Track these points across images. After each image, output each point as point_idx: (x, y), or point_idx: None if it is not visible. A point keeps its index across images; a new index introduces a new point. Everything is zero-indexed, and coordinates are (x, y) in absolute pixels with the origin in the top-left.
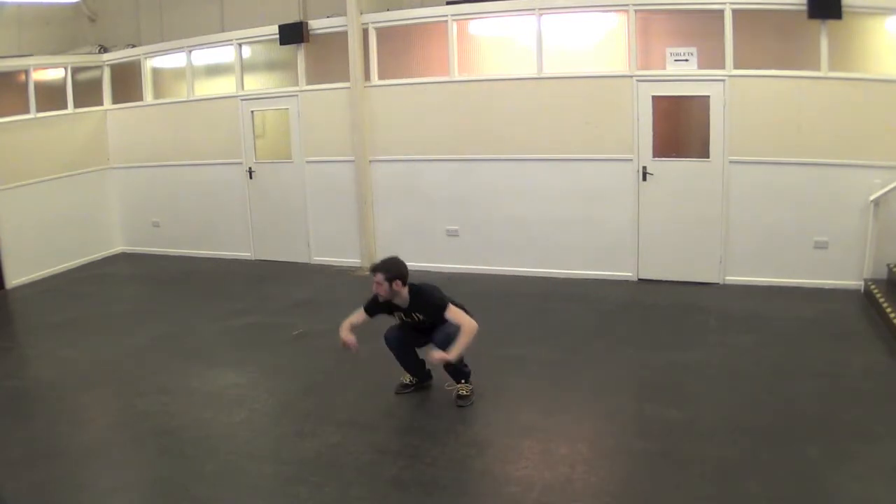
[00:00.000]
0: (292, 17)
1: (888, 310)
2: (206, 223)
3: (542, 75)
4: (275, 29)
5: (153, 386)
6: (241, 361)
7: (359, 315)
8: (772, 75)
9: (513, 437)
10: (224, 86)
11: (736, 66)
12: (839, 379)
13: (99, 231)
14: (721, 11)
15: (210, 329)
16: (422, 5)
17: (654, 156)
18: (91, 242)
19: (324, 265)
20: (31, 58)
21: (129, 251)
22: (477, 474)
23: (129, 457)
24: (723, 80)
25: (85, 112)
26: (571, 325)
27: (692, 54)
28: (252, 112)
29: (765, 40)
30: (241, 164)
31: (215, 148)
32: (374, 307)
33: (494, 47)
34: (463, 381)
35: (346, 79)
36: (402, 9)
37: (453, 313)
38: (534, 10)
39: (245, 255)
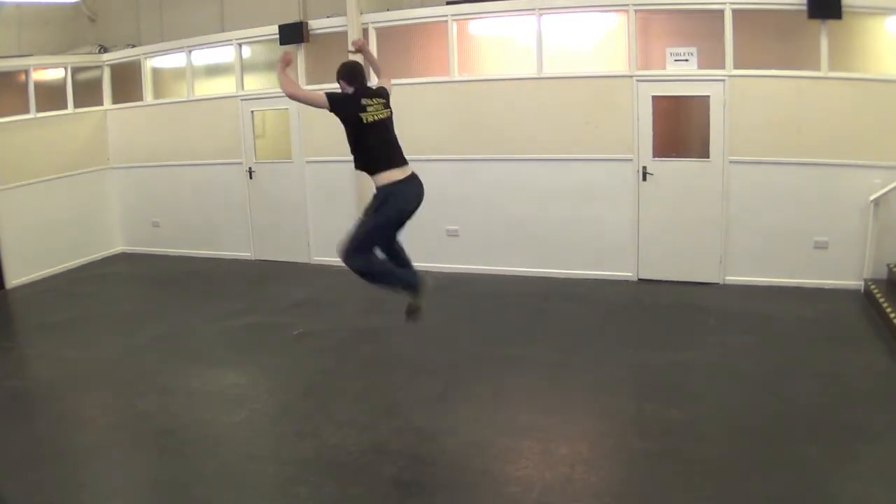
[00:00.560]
0: (292, 17)
1: (888, 310)
2: (206, 223)
3: (542, 75)
4: (275, 29)
5: (153, 386)
6: (241, 361)
7: (315, 96)
8: (772, 75)
9: (513, 437)
10: (224, 86)
11: (736, 66)
12: (839, 379)
13: (99, 231)
14: (721, 11)
15: (210, 329)
16: (422, 5)
17: (654, 156)
18: (91, 242)
19: (324, 265)
20: (31, 58)
21: (129, 251)
22: (477, 474)
23: (129, 457)
24: (723, 80)
25: (85, 112)
26: (571, 325)
27: (692, 54)
28: (252, 112)
29: (765, 40)
30: (241, 164)
31: (215, 148)
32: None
33: (494, 47)
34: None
35: None
36: (402, 9)
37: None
38: (534, 10)
39: (245, 255)
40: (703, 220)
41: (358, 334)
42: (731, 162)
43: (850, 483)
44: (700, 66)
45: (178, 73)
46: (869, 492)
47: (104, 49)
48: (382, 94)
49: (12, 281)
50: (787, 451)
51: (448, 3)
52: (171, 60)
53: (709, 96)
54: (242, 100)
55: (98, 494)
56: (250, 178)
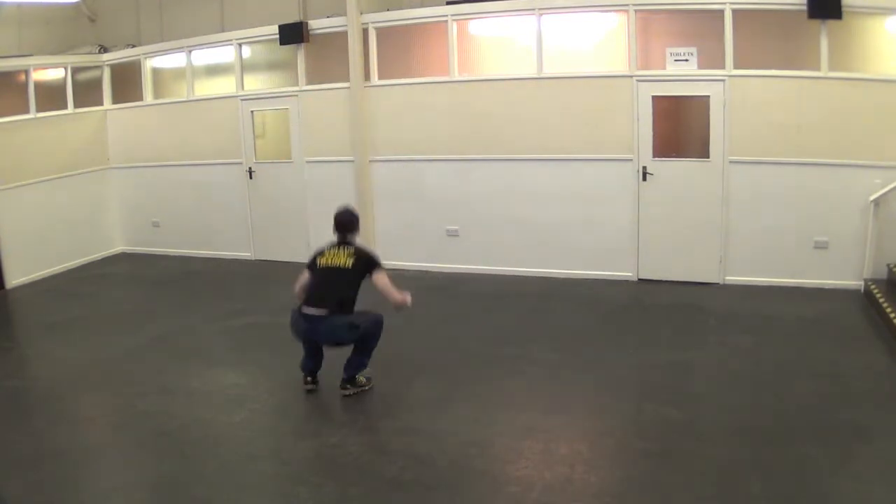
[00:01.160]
0: (292, 17)
1: (888, 310)
2: (206, 223)
3: (542, 75)
4: (275, 29)
5: (153, 386)
6: (241, 361)
7: (303, 275)
8: (772, 75)
9: (513, 437)
10: (224, 86)
11: (736, 66)
12: (839, 379)
13: (99, 231)
14: (721, 11)
15: (210, 329)
16: (422, 5)
17: (654, 156)
18: (91, 242)
19: None
20: (31, 58)
21: (129, 251)
22: (477, 474)
23: (129, 457)
24: (723, 80)
25: (85, 112)
26: (571, 324)
27: (692, 54)
28: (252, 112)
29: (765, 40)
30: (241, 164)
31: (215, 148)
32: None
33: (494, 47)
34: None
35: (346, 79)
36: (402, 9)
37: (383, 279)
38: (534, 10)
39: (245, 255)
40: (703, 219)
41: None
42: (731, 162)
43: (850, 483)
44: (700, 66)
45: (178, 73)
46: (869, 492)
47: (104, 49)
48: (355, 253)
49: (12, 281)
50: (787, 451)
51: (448, 3)
52: (171, 60)
53: (709, 96)
54: (242, 100)
55: (98, 494)
56: (250, 178)
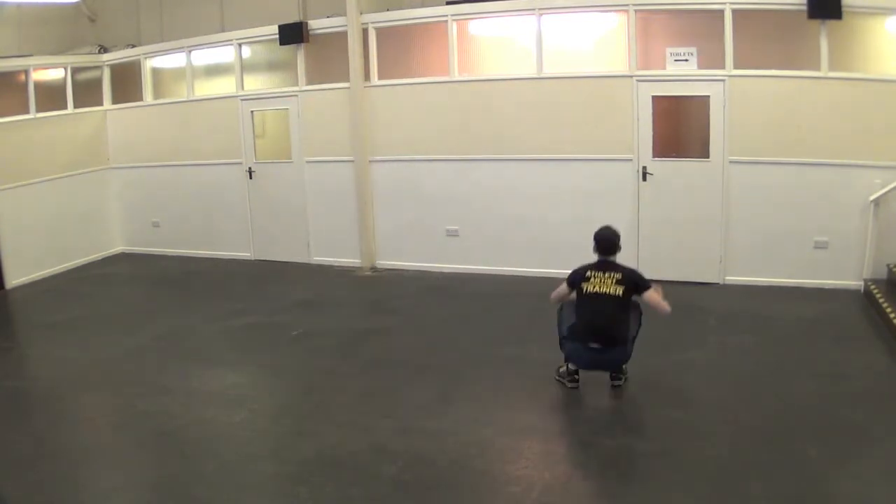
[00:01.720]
0: (292, 17)
1: (888, 310)
2: (206, 223)
3: (542, 75)
4: (275, 29)
5: (153, 386)
6: (241, 361)
7: (563, 288)
8: (772, 75)
9: (513, 437)
10: (224, 86)
11: (736, 66)
12: (839, 379)
13: (99, 231)
14: (721, 11)
15: (210, 329)
16: (422, 5)
17: (654, 156)
18: (91, 242)
19: (324, 265)
20: (31, 58)
21: (129, 251)
22: (477, 474)
23: (129, 457)
24: (723, 80)
25: (85, 112)
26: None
27: (692, 54)
28: (252, 112)
29: (765, 40)
30: (241, 164)
31: (215, 148)
32: (574, 275)
33: (494, 47)
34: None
35: (346, 79)
36: (402, 9)
37: (653, 296)
38: (534, 10)
39: (245, 255)
40: (702, 220)
41: (358, 334)
42: (731, 162)
43: (850, 483)
44: (700, 66)
45: (178, 73)
46: (869, 492)
47: (104, 49)
48: (621, 271)
49: (12, 281)
50: (787, 451)
51: (448, 3)
52: (171, 60)
53: (709, 96)
54: (242, 100)
55: (98, 494)
56: (250, 178)
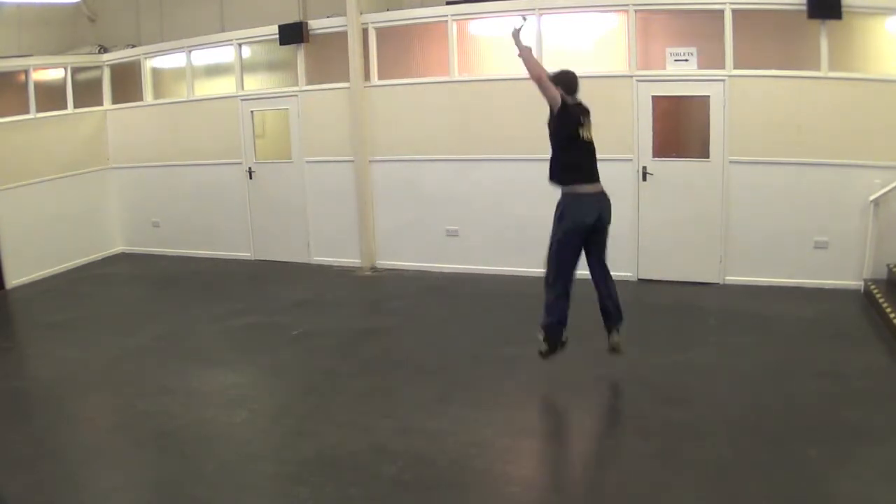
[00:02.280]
0: (292, 17)
1: (888, 310)
2: (205, 223)
3: None
4: (275, 29)
5: (153, 386)
6: (241, 361)
7: (551, 85)
8: (772, 75)
9: (513, 437)
10: (224, 86)
11: (736, 66)
12: (839, 379)
13: (99, 231)
14: (721, 11)
15: (210, 329)
16: (422, 5)
17: (654, 156)
18: (91, 242)
19: (324, 265)
20: (31, 58)
21: (128, 251)
22: (477, 474)
23: (129, 457)
24: (723, 80)
25: (85, 112)
26: (571, 325)
27: (692, 54)
28: (252, 112)
29: (765, 40)
30: (240, 164)
31: (215, 148)
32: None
33: (494, 47)
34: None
35: (346, 79)
36: (402, 9)
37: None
38: (534, 10)
39: (245, 255)
40: (703, 220)
41: (358, 334)
42: (731, 162)
43: (850, 483)
44: (700, 66)
45: (178, 74)
46: (869, 492)
47: (104, 49)
48: (588, 113)
49: (12, 281)
50: (787, 451)
51: (448, 3)
52: (171, 60)
53: (709, 96)
54: (242, 100)
55: (98, 494)
56: (250, 178)
